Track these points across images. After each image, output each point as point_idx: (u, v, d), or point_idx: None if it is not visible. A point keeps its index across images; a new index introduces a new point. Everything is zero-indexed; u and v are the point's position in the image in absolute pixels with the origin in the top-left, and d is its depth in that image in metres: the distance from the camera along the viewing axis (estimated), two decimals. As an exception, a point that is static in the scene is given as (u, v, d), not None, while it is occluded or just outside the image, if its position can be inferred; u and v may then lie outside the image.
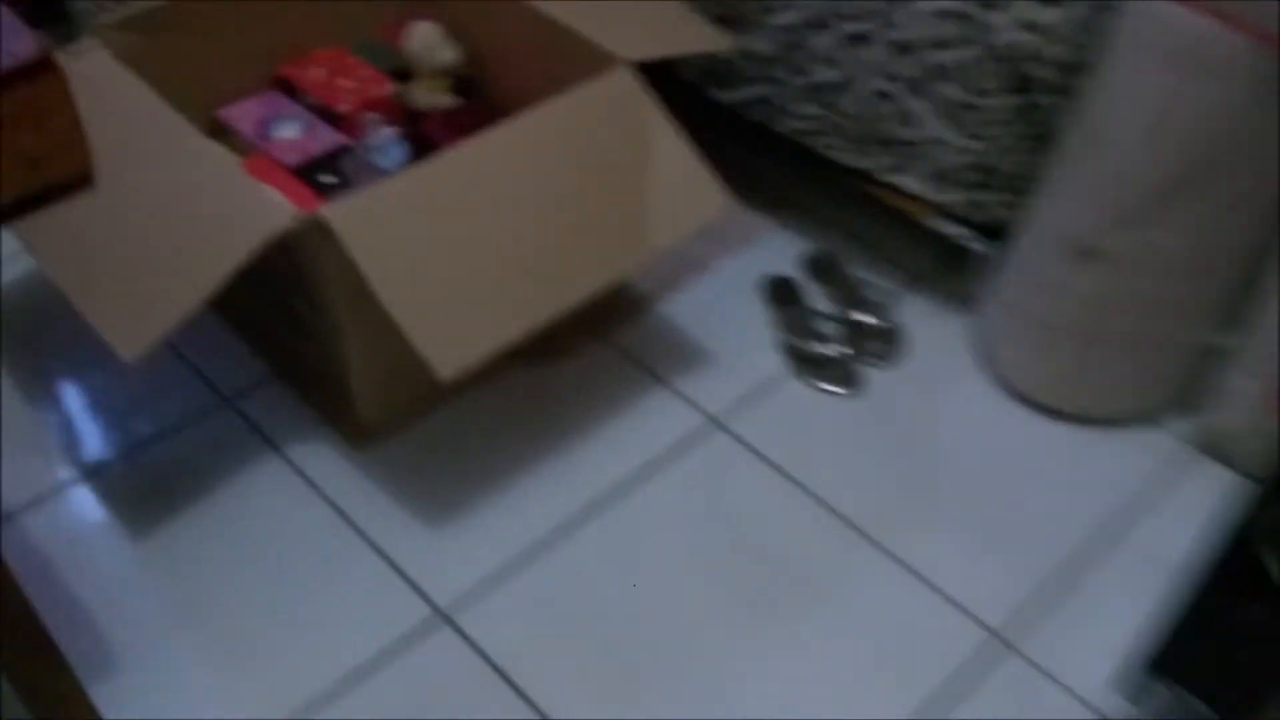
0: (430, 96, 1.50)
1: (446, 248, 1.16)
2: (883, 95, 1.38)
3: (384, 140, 1.44)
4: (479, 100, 1.53)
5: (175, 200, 1.16)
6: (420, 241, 1.15)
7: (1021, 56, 1.27)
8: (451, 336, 1.13)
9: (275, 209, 1.13)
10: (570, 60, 1.36)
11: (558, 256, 1.21)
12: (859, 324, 1.51)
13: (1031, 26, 1.24)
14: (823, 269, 1.59)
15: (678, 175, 1.28)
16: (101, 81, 1.25)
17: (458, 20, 1.52)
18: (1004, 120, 1.32)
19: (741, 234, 1.63)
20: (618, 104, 1.30)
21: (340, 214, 1.11)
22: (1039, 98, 1.29)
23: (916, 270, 1.59)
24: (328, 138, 1.43)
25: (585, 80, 1.29)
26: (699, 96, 1.55)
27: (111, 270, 1.13)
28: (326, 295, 1.20)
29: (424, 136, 1.48)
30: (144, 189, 1.16)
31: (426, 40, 1.49)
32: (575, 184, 1.24)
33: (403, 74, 1.51)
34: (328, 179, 1.39)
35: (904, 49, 1.33)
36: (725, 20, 1.48)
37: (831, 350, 1.48)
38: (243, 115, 1.46)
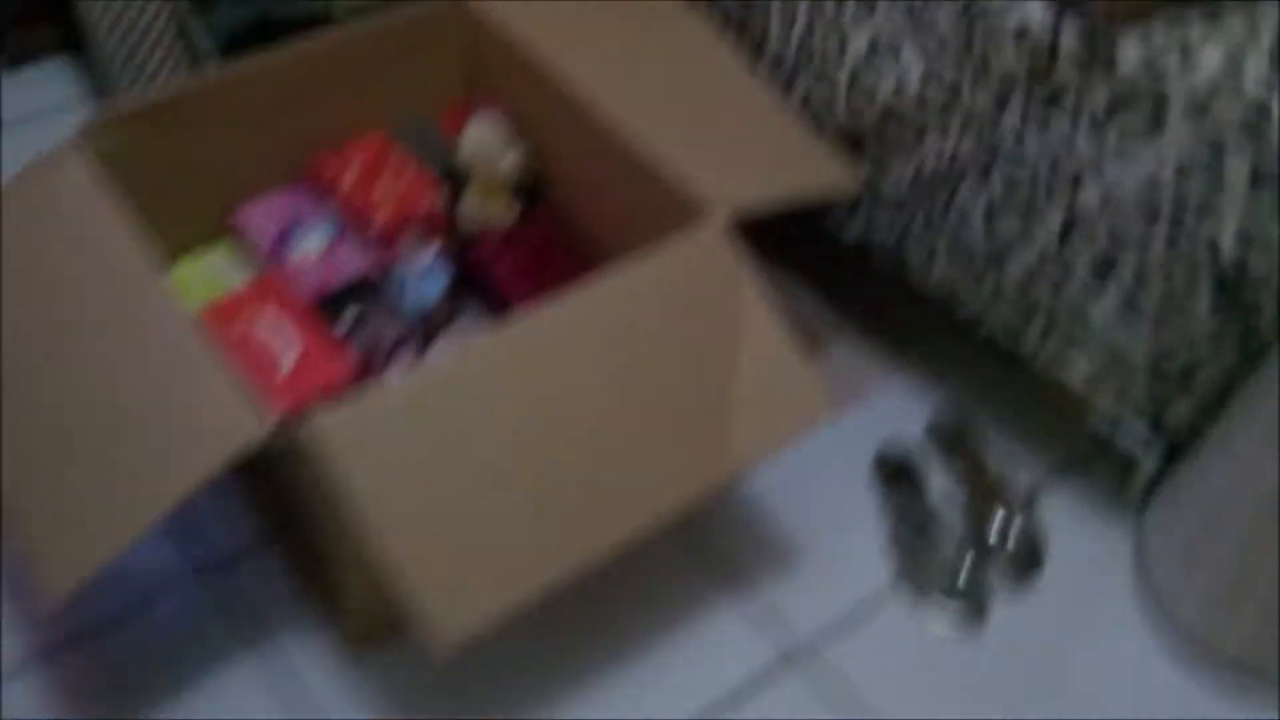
0: (484, 208, 1.23)
1: (468, 470, 0.90)
2: (1048, 265, 1.07)
3: (422, 267, 1.18)
4: (541, 215, 1.26)
5: (121, 388, 0.91)
6: (432, 463, 0.89)
7: (1234, 264, 0.96)
8: (464, 588, 0.87)
9: (245, 415, 0.87)
10: (650, 195, 1.08)
11: (610, 479, 0.94)
12: (990, 526, 1.21)
13: (1247, 239, 0.94)
14: (951, 441, 1.29)
15: (771, 370, 1.00)
16: (65, 207, 1.01)
17: (523, 111, 1.24)
18: (1204, 315, 1.00)
19: (852, 382, 1.34)
20: (701, 271, 1.01)
21: (331, 429, 0.86)
22: (1252, 296, 0.98)
23: (1069, 455, 1.28)
24: (352, 262, 1.18)
25: (663, 228, 1.02)
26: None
27: (36, 480, 0.90)
28: (316, 509, 0.95)
29: (473, 263, 1.22)
30: (85, 371, 0.92)
31: (485, 144, 1.22)
32: (639, 382, 0.97)
33: (453, 173, 1.25)
34: (349, 313, 1.13)
35: (1082, 224, 1.03)
36: (852, 140, 1.18)
37: (953, 558, 1.18)
38: (262, 220, 1.21)
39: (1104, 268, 1.03)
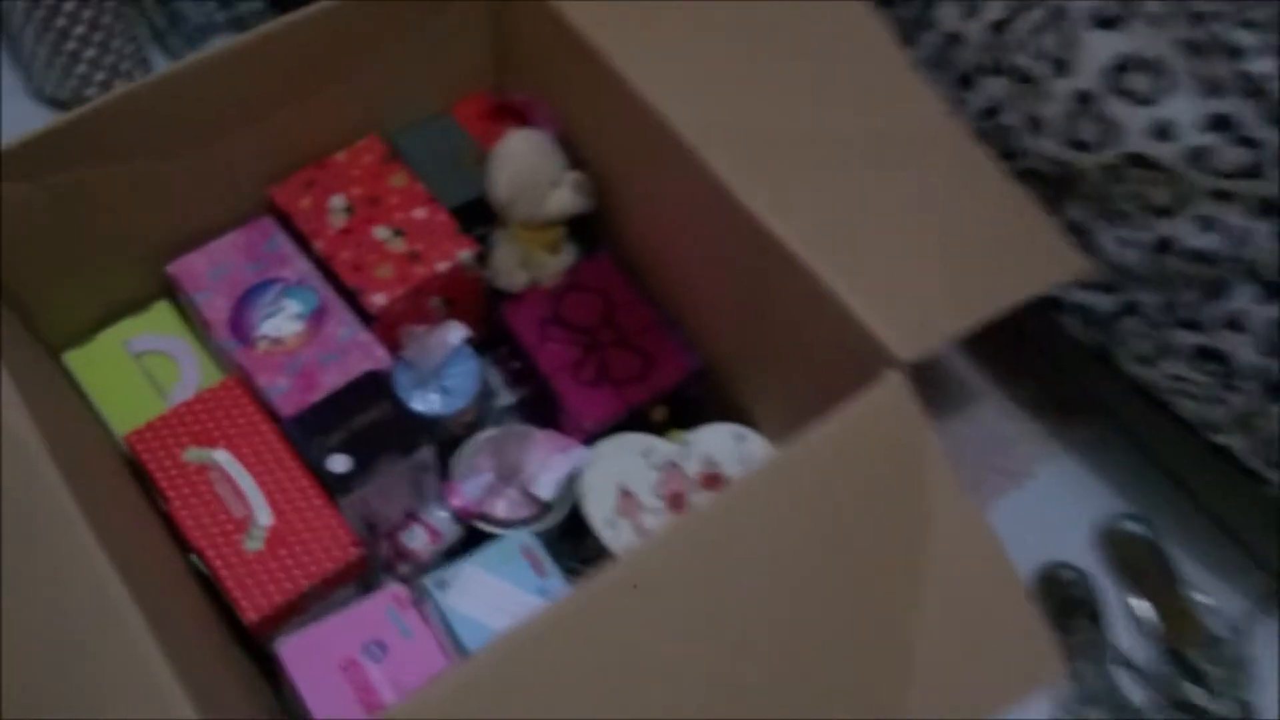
0: (528, 258, 0.87)
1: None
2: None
3: (439, 355, 0.82)
4: (600, 266, 0.90)
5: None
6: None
7: None
8: None
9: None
10: (783, 284, 0.73)
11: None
12: (1186, 684, 0.93)
13: None
14: (1134, 557, 0.99)
15: (975, 596, 0.68)
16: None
17: (577, 112, 0.86)
18: None
19: (1018, 462, 1.02)
20: (880, 450, 0.68)
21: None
22: None
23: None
24: (348, 352, 0.82)
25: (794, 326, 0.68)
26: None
27: None
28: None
29: (509, 336, 0.86)
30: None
31: (530, 165, 0.84)
32: (812, 598, 0.64)
33: (480, 204, 0.88)
34: (344, 439, 0.78)
35: None
36: (1048, 183, 0.83)
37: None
38: (208, 280, 0.84)
39: None
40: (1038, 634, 0.67)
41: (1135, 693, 0.92)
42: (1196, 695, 0.91)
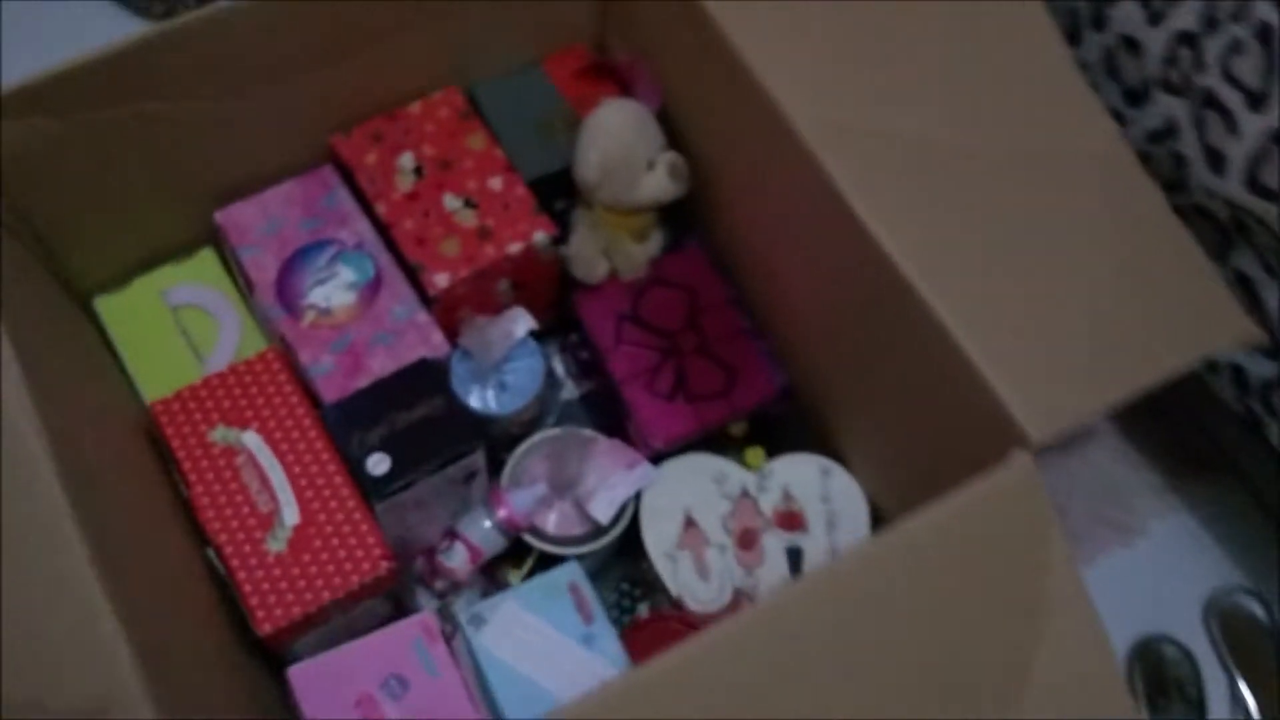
0: (614, 244, 0.77)
1: None
2: None
3: (502, 349, 0.73)
4: (691, 259, 0.80)
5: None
6: None
7: None
8: None
9: None
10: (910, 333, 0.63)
11: None
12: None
13: None
14: (1245, 636, 0.89)
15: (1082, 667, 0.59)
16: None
17: (685, 80, 0.75)
18: None
19: (1131, 516, 0.92)
20: (1000, 534, 0.58)
21: None
22: None
23: None
24: (404, 333, 0.73)
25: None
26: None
27: None
28: None
29: (584, 329, 0.77)
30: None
31: (625, 141, 0.74)
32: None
33: (564, 178, 0.78)
34: (384, 447, 0.70)
35: None
36: (1213, 225, 0.71)
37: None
38: (254, 233, 0.76)
39: None
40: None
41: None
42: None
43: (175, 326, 0.76)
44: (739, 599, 0.72)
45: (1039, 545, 0.59)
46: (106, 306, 0.76)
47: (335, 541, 0.67)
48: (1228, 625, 0.89)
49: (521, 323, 0.74)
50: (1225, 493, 0.93)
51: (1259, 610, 0.89)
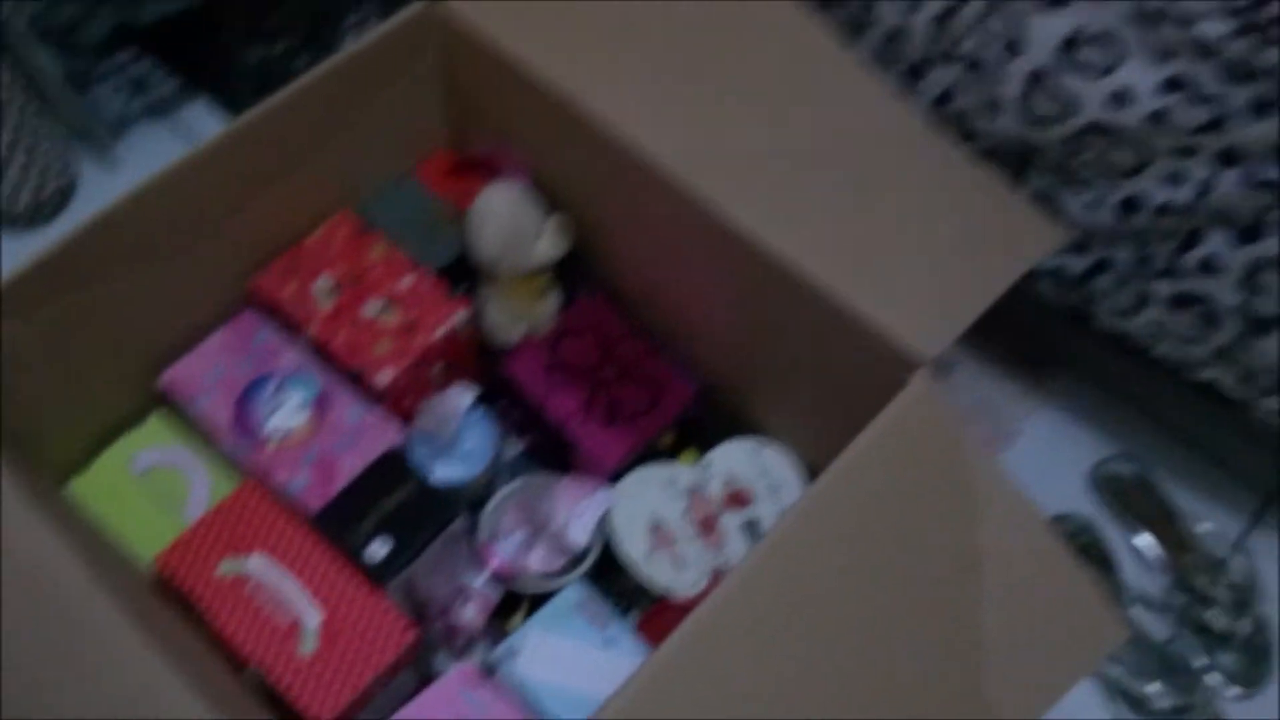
0: (519, 310, 0.87)
1: None
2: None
3: (455, 422, 0.82)
4: (590, 304, 0.90)
5: None
6: None
7: None
8: None
9: None
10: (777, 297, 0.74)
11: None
12: (1198, 607, 0.97)
13: None
14: (1130, 495, 1.03)
15: (1034, 586, 0.70)
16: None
17: (542, 154, 0.86)
18: None
19: (1007, 422, 1.06)
20: (921, 451, 0.70)
21: None
22: None
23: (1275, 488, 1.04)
24: (363, 434, 0.81)
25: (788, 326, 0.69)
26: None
27: None
28: None
29: (509, 385, 0.87)
30: None
31: (510, 220, 0.84)
32: (882, 616, 0.66)
33: (460, 263, 0.87)
34: (378, 533, 0.77)
35: None
36: (1014, 157, 0.86)
37: (1166, 651, 0.95)
38: (201, 385, 0.82)
39: None
40: (1095, 601, 0.70)
41: (1156, 628, 0.97)
42: (1214, 618, 0.96)
43: (147, 491, 0.82)
44: (717, 577, 0.82)
45: (955, 446, 0.71)
46: (80, 487, 0.81)
47: (362, 626, 0.74)
48: (1111, 488, 1.03)
49: (467, 395, 0.83)
50: (1072, 383, 1.08)
51: (1133, 468, 1.04)
